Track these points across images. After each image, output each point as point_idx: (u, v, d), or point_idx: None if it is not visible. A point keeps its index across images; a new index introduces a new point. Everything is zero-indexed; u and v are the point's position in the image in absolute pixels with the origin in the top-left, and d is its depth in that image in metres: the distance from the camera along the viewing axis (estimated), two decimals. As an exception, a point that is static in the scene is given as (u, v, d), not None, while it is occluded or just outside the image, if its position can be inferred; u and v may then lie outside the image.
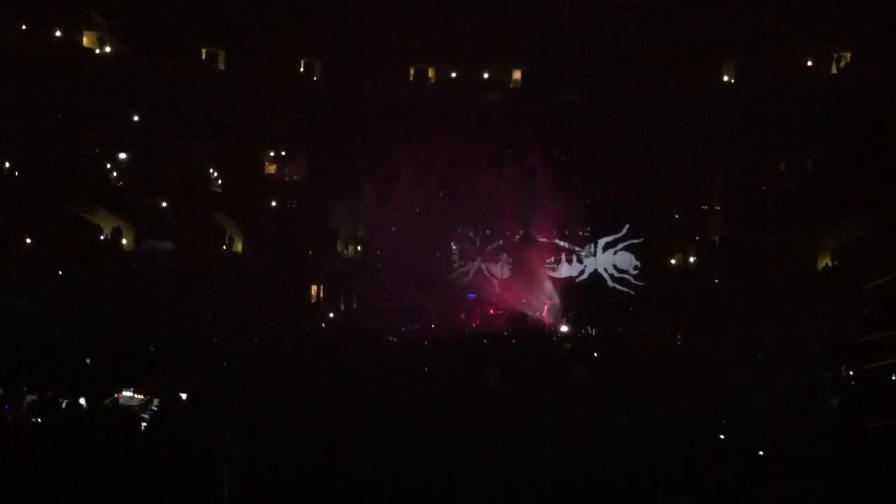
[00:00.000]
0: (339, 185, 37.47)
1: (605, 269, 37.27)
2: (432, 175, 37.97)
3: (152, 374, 12.17)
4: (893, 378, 15.38)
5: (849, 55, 35.66)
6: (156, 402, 10.66)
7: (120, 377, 11.70)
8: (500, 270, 38.04)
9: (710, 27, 35.51)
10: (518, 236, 37.92)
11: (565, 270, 37.70)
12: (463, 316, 35.62)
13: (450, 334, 29.89)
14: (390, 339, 24.85)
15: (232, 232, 37.25)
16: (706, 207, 37.17)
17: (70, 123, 32.95)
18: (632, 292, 36.35)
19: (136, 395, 11.53)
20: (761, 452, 9.05)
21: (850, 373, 16.16)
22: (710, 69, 37.09)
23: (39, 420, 9.59)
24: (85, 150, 33.94)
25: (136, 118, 35.39)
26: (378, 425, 8.21)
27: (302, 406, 8.60)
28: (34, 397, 10.60)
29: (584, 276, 37.54)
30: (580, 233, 37.70)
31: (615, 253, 37.19)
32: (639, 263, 36.76)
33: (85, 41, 35.41)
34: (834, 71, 36.12)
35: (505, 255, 38.06)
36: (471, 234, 38.28)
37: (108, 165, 34.82)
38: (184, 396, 10.18)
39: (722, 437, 9.65)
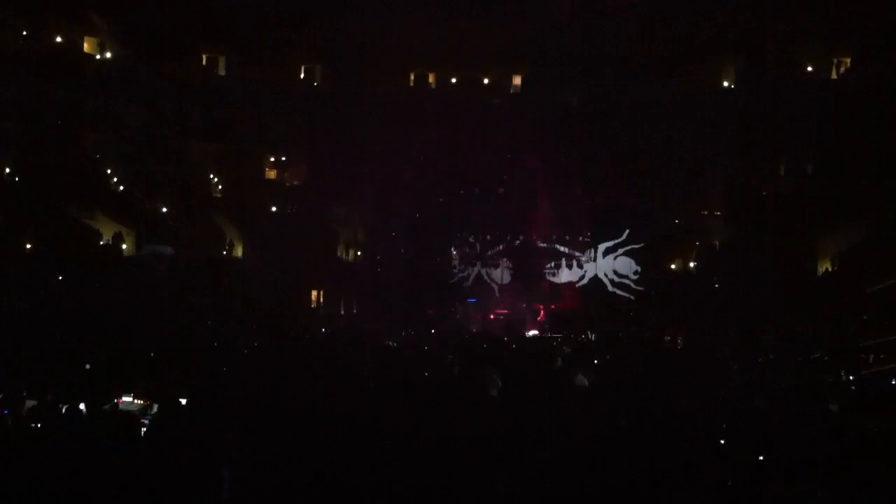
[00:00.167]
0: (339, 189, 37.54)
1: (606, 275, 37.28)
2: (432, 180, 38.05)
3: (152, 378, 12.16)
4: (893, 382, 15.39)
5: (849, 60, 35.74)
6: (156, 407, 10.66)
7: (120, 382, 11.70)
8: (501, 275, 38.04)
9: (709, 28, 35.56)
10: (518, 241, 37.94)
11: (565, 275, 37.71)
12: (463, 321, 35.65)
13: (449, 339, 29.89)
14: (390, 343, 24.86)
15: (232, 236, 37.28)
16: (706, 212, 37.19)
17: (70, 127, 32.96)
18: (632, 297, 36.34)
19: (135, 401, 11.53)
20: (761, 456, 9.03)
21: (850, 377, 16.18)
22: (710, 71, 37.16)
23: (39, 425, 9.57)
24: (85, 153, 33.96)
25: (135, 122, 35.43)
26: (378, 426, 8.21)
27: (302, 406, 8.61)
28: (34, 402, 10.60)
29: (585, 281, 37.54)
30: (580, 238, 37.73)
31: (615, 258, 37.20)
32: (639, 268, 36.75)
33: (86, 46, 35.50)
34: (834, 76, 36.22)
35: (505, 260, 38.06)
36: (471, 239, 38.29)
37: (109, 170, 34.86)
38: (183, 401, 10.16)
39: (722, 441, 9.63)
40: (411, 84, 40.48)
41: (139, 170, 35.23)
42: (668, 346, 25.00)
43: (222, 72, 38.85)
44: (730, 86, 37.34)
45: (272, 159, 40.11)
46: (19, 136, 30.81)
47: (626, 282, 36.87)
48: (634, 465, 7.91)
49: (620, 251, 37.08)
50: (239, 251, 37.51)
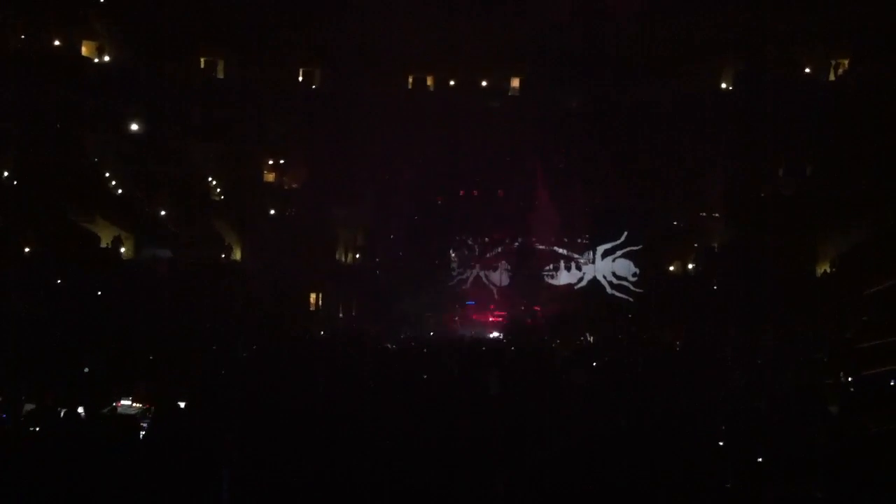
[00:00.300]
0: (337, 192, 37.53)
1: (604, 277, 37.29)
2: (431, 182, 38.05)
3: (152, 379, 12.15)
4: (892, 384, 15.38)
5: (846, 62, 35.77)
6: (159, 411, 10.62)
7: (119, 383, 11.69)
8: (499, 278, 38.03)
9: (709, 28, 35.57)
10: (517, 244, 37.94)
11: (564, 278, 37.71)
12: (461, 323, 35.63)
13: (448, 341, 29.87)
14: (389, 345, 24.83)
15: (231, 239, 37.25)
16: (705, 214, 37.19)
17: (69, 130, 32.96)
18: (631, 299, 36.33)
19: (134, 404, 11.51)
20: (760, 458, 9.04)
21: (850, 379, 16.17)
22: (710, 72, 37.18)
23: (38, 429, 9.55)
24: (84, 156, 33.95)
25: (134, 126, 35.45)
26: (378, 426, 8.22)
27: (302, 407, 8.61)
28: (32, 406, 10.58)
29: (583, 283, 37.54)
30: (579, 240, 37.73)
31: (614, 260, 37.23)
32: (637, 270, 36.76)
33: (84, 50, 35.52)
34: (832, 78, 36.24)
35: (504, 262, 38.05)
36: (469, 242, 38.27)
37: (108, 173, 34.85)
38: (182, 405, 10.16)
39: (721, 443, 9.64)
40: (410, 86, 40.45)
41: (138, 172, 35.20)
42: (668, 346, 24.94)
43: (221, 74, 38.84)
44: (728, 87, 37.36)
45: (271, 162, 40.08)
46: (19, 138, 30.80)
47: (625, 284, 36.89)
48: (634, 465, 7.91)
49: (619, 253, 37.11)
50: (238, 254, 37.47)
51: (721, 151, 35.59)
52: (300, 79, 40.20)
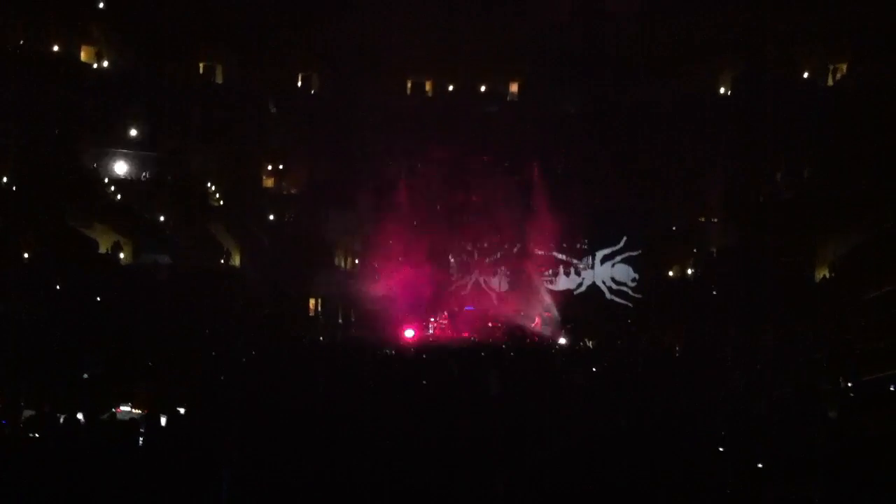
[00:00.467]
0: (336, 198, 37.54)
1: (604, 282, 37.24)
2: (430, 188, 38.03)
3: (152, 380, 12.15)
4: (892, 388, 15.40)
5: (845, 67, 35.84)
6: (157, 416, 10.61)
7: (119, 384, 11.68)
8: (498, 283, 37.98)
9: (709, 28, 35.63)
10: (516, 249, 37.91)
11: (563, 283, 37.66)
12: (461, 328, 35.57)
13: (447, 346, 29.82)
14: (388, 351, 24.79)
15: (230, 245, 37.23)
16: (704, 219, 37.21)
17: (68, 136, 33.00)
18: (630, 304, 36.32)
19: (133, 410, 11.50)
20: (760, 463, 9.04)
21: (849, 384, 16.17)
22: (710, 73, 37.23)
23: (37, 435, 9.55)
24: (84, 163, 33.98)
25: (133, 131, 35.48)
26: (378, 426, 8.21)
27: (302, 408, 8.60)
28: (31, 412, 10.57)
29: (583, 288, 37.50)
30: (578, 245, 37.68)
31: (613, 265, 37.18)
32: (637, 275, 36.74)
33: (83, 56, 35.58)
34: (830, 83, 36.31)
35: (503, 268, 38.01)
36: (469, 247, 38.24)
37: (106, 179, 34.87)
38: (182, 411, 10.15)
39: (722, 442, 9.63)
40: (409, 92, 40.51)
41: (135, 178, 35.22)
42: (668, 349, 24.92)
43: (220, 79, 38.91)
44: (727, 92, 37.41)
45: (270, 167, 40.11)
46: (18, 139, 30.82)
47: (625, 289, 36.86)
48: (634, 465, 7.91)
49: (618, 258, 37.07)
50: (237, 260, 37.45)
51: (721, 152, 35.62)
52: (299, 84, 40.25)
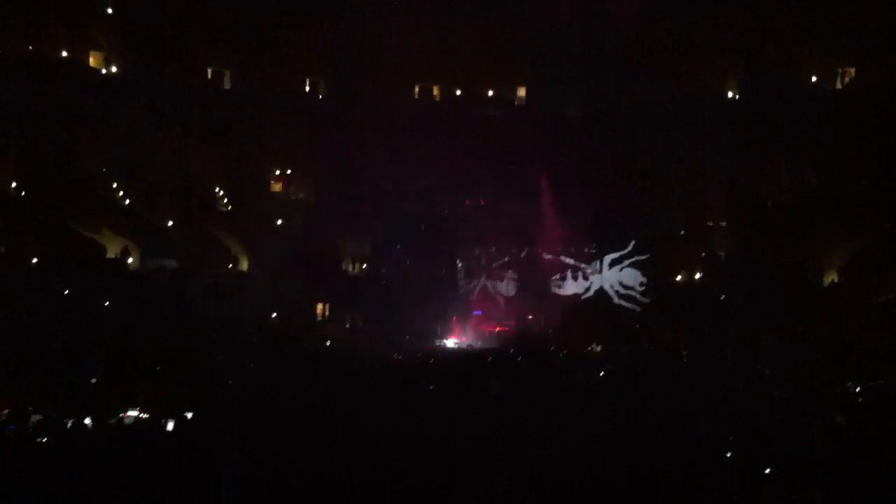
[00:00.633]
0: (344, 203, 37.59)
1: (611, 286, 37.16)
2: (437, 192, 38.11)
3: (152, 383, 12.17)
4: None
5: (853, 70, 35.74)
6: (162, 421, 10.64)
7: (124, 384, 11.71)
8: (506, 288, 37.95)
9: (709, 28, 35.58)
10: (524, 254, 37.88)
11: (571, 287, 37.60)
12: (466, 332, 35.60)
13: (454, 350, 29.86)
14: (395, 356, 24.79)
15: (237, 250, 37.29)
16: (711, 223, 37.13)
17: (74, 140, 33.13)
18: (637, 308, 36.22)
19: (141, 415, 11.53)
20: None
21: (857, 389, 16.08)
22: (711, 75, 37.16)
23: (45, 440, 9.59)
24: (91, 168, 34.08)
25: (140, 135, 35.58)
26: (378, 426, 8.23)
27: (302, 408, 8.62)
28: (39, 417, 10.61)
29: (590, 292, 37.43)
30: (586, 250, 37.63)
31: (621, 269, 37.10)
32: (645, 280, 36.64)
33: (91, 61, 35.75)
34: (838, 86, 36.21)
35: (510, 272, 37.97)
36: (476, 252, 38.22)
37: (115, 185, 34.95)
38: (189, 415, 10.18)
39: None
40: (416, 96, 40.57)
41: (144, 186, 35.30)
42: (671, 350, 24.84)
43: (227, 85, 39.02)
44: (730, 95, 37.37)
45: (277, 172, 40.17)
46: (21, 141, 30.94)
47: (633, 293, 36.76)
48: (634, 465, 7.91)
49: (626, 263, 36.99)
50: (244, 265, 37.49)
51: (724, 153, 35.55)
52: (306, 88, 40.36)
